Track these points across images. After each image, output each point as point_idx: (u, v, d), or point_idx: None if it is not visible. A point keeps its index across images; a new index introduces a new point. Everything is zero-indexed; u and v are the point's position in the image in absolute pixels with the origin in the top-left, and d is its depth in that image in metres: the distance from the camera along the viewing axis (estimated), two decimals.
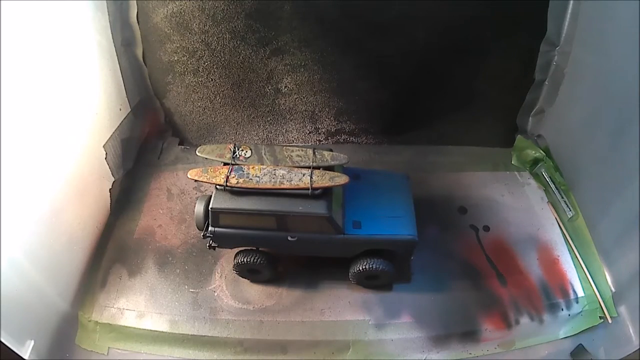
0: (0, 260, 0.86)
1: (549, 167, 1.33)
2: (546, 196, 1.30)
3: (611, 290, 1.08)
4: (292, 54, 1.27)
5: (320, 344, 0.99)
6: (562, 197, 1.27)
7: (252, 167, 0.98)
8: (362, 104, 1.39)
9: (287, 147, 1.04)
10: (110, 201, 1.27)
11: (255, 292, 1.09)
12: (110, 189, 1.27)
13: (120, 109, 1.35)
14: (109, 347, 1.01)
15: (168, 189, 1.33)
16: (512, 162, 1.40)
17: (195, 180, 0.97)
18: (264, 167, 0.98)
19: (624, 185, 1.03)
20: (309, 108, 1.39)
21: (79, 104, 1.15)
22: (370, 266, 1.01)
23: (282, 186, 0.94)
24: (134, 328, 1.04)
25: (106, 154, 1.25)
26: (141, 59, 1.36)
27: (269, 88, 1.35)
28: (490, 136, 1.44)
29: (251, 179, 0.95)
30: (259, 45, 1.26)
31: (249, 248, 1.04)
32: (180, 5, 1.20)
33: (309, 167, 0.98)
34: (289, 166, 0.99)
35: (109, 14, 1.24)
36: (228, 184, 0.95)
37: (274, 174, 0.96)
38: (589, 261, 1.13)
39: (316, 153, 1.02)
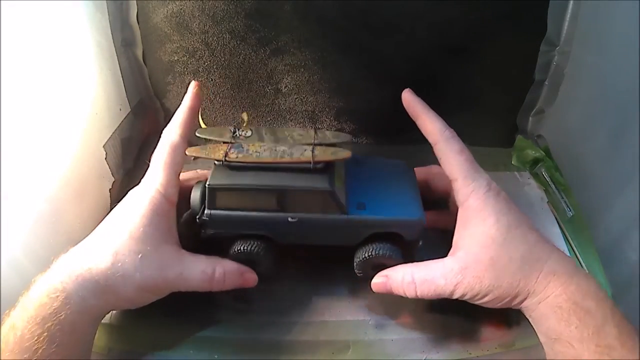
0: (0, 260, 0.86)
1: (549, 167, 1.33)
2: (546, 196, 1.30)
3: (611, 291, 1.07)
4: (292, 54, 1.27)
5: (320, 344, 0.99)
6: (562, 197, 1.27)
7: (252, 145, 0.96)
8: (362, 104, 1.39)
9: (288, 128, 1.03)
10: (110, 201, 1.26)
11: (255, 291, 1.08)
12: (110, 189, 1.27)
13: (120, 109, 1.35)
14: (109, 347, 1.01)
15: None
16: (512, 162, 1.40)
17: (194, 158, 0.95)
18: (265, 144, 0.97)
19: (624, 185, 1.03)
20: (309, 108, 1.39)
21: (79, 104, 1.15)
22: (377, 252, 0.97)
23: (283, 160, 0.92)
24: (134, 328, 1.04)
25: (106, 154, 1.24)
26: (141, 59, 1.36)
27: (269, 88, 1.35)
28: (490, 136, 1.44)
29: (251, 154, 0.93)
30: (259, 45, 1.26)
31: (246, 234, 1.00)
32: (180, 5, 1.20)
33: (310, 144, 0.96)
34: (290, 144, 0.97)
35: (109, 14, 1.24)
36: (227, 158, 0.92)
37: (275, 150, 0.94)
38: (589, 261, 1.13)
39: (318, 132, 1.01)
